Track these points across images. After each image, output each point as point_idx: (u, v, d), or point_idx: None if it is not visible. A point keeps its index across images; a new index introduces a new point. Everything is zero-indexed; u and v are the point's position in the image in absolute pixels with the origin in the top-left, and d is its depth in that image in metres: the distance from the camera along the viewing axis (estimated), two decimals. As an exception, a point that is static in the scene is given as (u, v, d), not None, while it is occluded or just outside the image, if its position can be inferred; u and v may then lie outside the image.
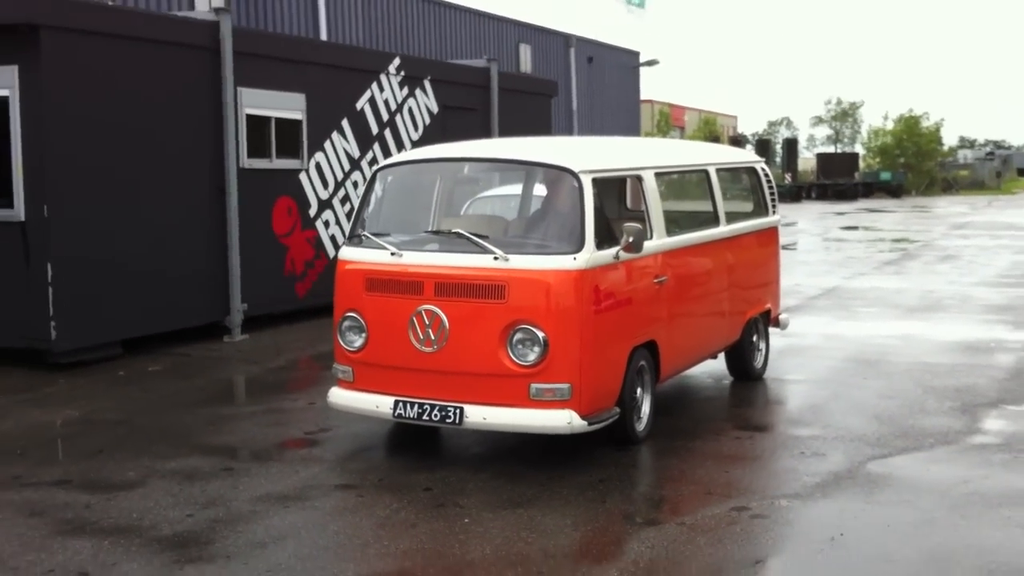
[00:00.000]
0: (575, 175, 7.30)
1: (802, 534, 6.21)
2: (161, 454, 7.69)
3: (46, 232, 10.43)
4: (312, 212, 13.92)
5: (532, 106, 19.51)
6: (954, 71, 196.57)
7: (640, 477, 7.45)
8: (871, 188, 60.13)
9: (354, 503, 6.68)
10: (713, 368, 10.07)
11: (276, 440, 8.19)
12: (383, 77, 15.18)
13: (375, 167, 8.40)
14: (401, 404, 7.25)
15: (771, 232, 10.43)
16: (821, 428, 8.35)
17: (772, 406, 9.54)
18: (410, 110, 15.74)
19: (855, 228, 33.36)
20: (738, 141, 61.30)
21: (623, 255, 7.33)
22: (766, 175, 10.41)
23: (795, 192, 55.50)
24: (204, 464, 7.48)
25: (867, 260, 22.21)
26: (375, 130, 15.02)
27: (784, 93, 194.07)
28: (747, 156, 11.19)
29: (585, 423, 7.00)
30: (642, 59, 41.26)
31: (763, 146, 63.75)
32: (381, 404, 7.37)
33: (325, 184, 14.13)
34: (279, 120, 13.37)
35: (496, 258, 7.07)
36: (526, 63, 31.66)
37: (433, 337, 7.12)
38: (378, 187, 8.07)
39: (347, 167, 14.52)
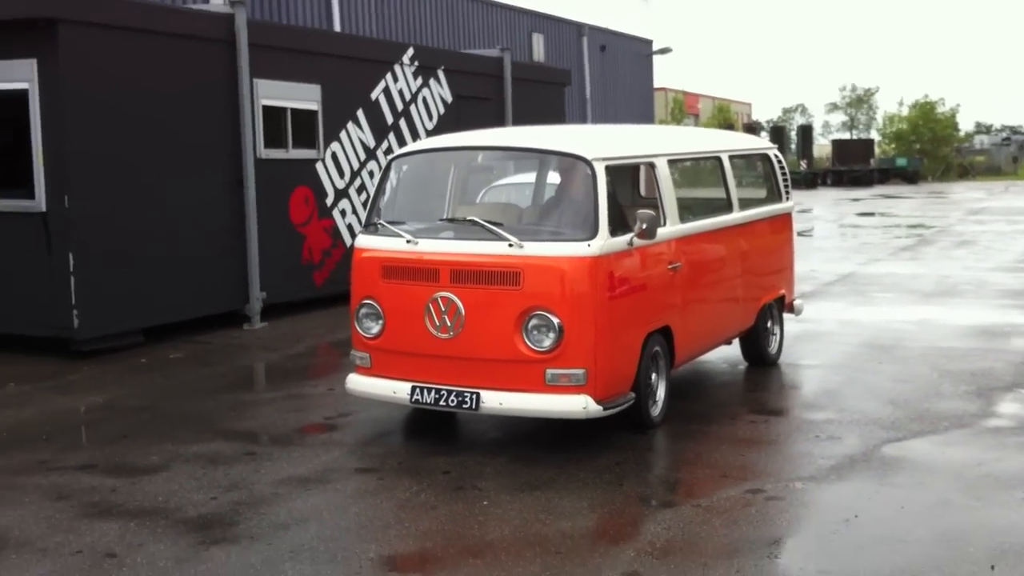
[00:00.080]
0: (588, 163, 7.37)
1: (817, 516, 6.29)
2: (184, 439, 7.82)
3: (67, 222, 10.57)
4: (329, 201, 14.03)
5: (545, 95, 19.58)
6: (970, 56, 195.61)
7: (656, 460, 7.54)
8: (887, 174, 60.05)
9: (375, 486, 6.79)
10: (728, 353, 10.14)
11: (297, 425, 8.31)
12: (397, 68, 15.27)
13: (390, 156, 8.49)
14: (418, 390, 7.34)
15: (785, 218, 10.49)
16: (836, 412, 8.43)
17: (787, 391, 9.61)
18: (424, 100, 15.82)
19: (871, 214, 33.35)
20: (752, 128, 61.29)
21: (637, 242, 7.40)
22: (779, 161, 10.46)
23: (810, 179, 55.47)
24: (226, 448, 7.61)
25: (883, 246, 22.23)
26: (390, 120, 15.12)
27: (799, 80, 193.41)
28: (760, 142, 11.23)
29: (600, 408, 7.08)
30: (655, 47, 41.23)
31: (777, 133, 63.63)
32: (398, 390, 7.46)
33: (341, 174, 14.25)
34: (295, 111, 13.48)
35: (511, 245, 7.15)
36: (539, 52, 31.69)
37: (449, 323, 7.21)
38: (393, 176, 8.15)
39: (363, 157, 14.63)
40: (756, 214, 9.74)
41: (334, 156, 14.13)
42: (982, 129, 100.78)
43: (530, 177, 9.19)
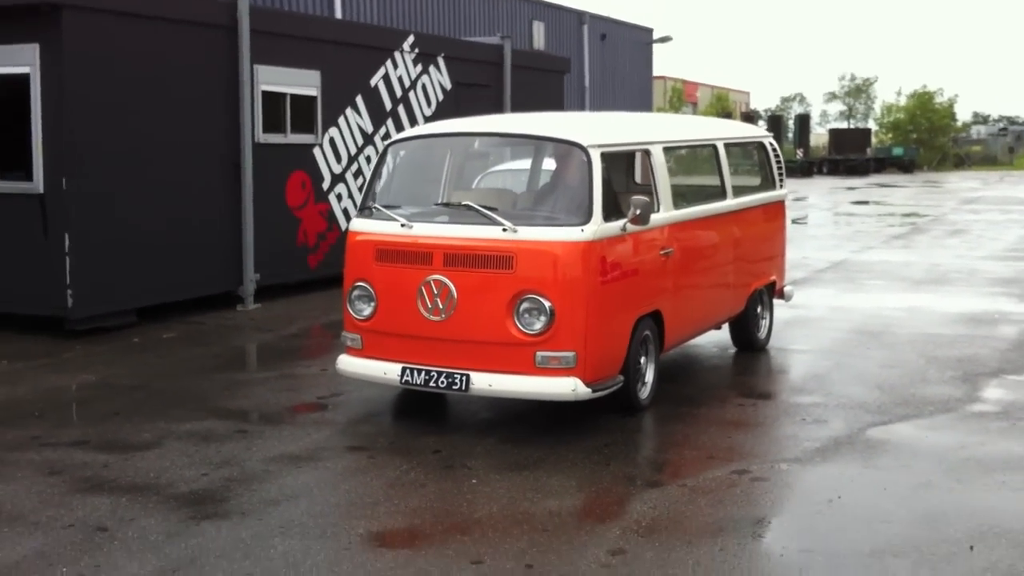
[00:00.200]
0: (584, 149, 7.43)
1: (801, 496, 6.38)
2: (176, 417, 7.89)
3: (64, 204, 10.62)
4: (325, 186, 14.09)
5: (545, 83, 19.61)
6: (969, 46, 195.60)
7: (644, 442, 7.62)
8: (883, 163, 60.10)
9: (365, 464, 6.87)
10: (719, 338, 10.22)
11: (288, 404, 8.39)
12: (397, 54, 15.31)
13: (387, 141, 8.54)
14: (408, 371, 7.40)
15: (778, 206, 10.56)
16: (823, 396, 8.51)
17: (776, 375, 9.69)
18: (424, 87, 15.86)
19: (865, 203, 33.42)
20: (750, 117, 61.24)
21: (630, 227, 7.47)
22: (774, 150, 10.53)
23: (807, 167, 55.49)
24: (218, 426, 7.68)
25: (876, 234, 22.31)
26: (389, 106, 15.16)
27: (798, 69, 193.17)
28: (755, 131, 11.32)
29: (589, 390, 7.15)
30: (655, 35, 41.26)
31: (775, 122, 63.63)
32: (389, 371, 7.52)
33: (339, 158, 14.30)
34: (294, 96, 13.52)
35: (505, 230, 7.20)
36: (539, 40, 31.73)
37: (441, 306, 7.27)
38: (389, 160, 8.21)
39: (360, 142, 14.67)
40: (749, 201, 9.81)
41: (332, 141, 14.18)
42: (979, 119, 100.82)
43: (527, 163, 9.25)
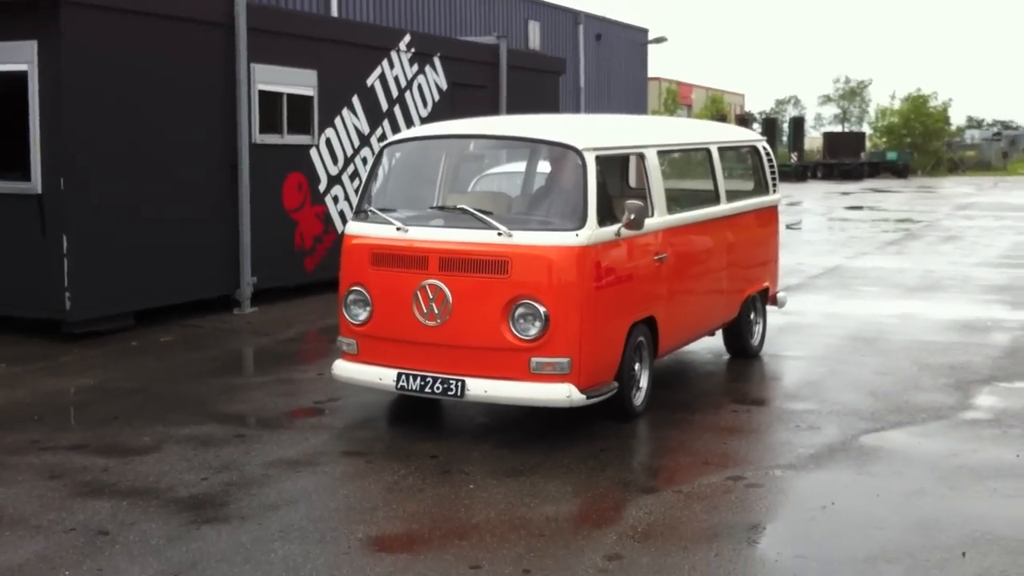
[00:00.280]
0: (579, 152, 7.46)
1: (795, 502, 6.44)
2: (175, 421, 7.94)
3: (62, 205, 10.65)
4: (322, 187, 14.13)
5: (540, 83, 19.67)
6: (963, 50, 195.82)
7: (639, 448, 7.68)
8: (877, 168, 60.20)
9: (363, 469, 6.92)
10: (713, 344, 10.28)
11: (286, 409, 8.43)
12: (393, 54, 15.35)
13: (382, 143, 8.57)
14: (404, 376, 7.42)
15: (771, 211, 10.61)
16: (817, 403, 8.58)
17: (770, 381, 9.76)
18: (420, 87, 15.91)
19: (859, 208, 33.52)
20: (745, 120, 61.37)
21: (624, 232, 7.50)
22: (767, 154, 10.57)
23: (801, 171, 55.58)
24: (217, 431, 7.72)
25: (870, 240, 22.39)
26: (385, 107, 15.20)
27: (792, 71, 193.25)
28: (749, 135, 11.36)
29: (584, 396, 7.18)
30: (651, 36, 41.34)
31: (769, 125, 63.66)
32: (384, 376, 7.54)
33: (335, 160, 14.34)
34: (291, 96, 13.56)
35: (500, 234, 7.23)
36: (535, 40, 31.78)
37: (437, 311, 7.30)
38: (385, 163, 8.23)
39: (357, 143, 14.72)
40: (743, 206, 9.85)
41: (328, 142, 14.22)
42: (973, 123, 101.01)
43: (522, 166, 9.28)
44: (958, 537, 5.76)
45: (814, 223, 27.53)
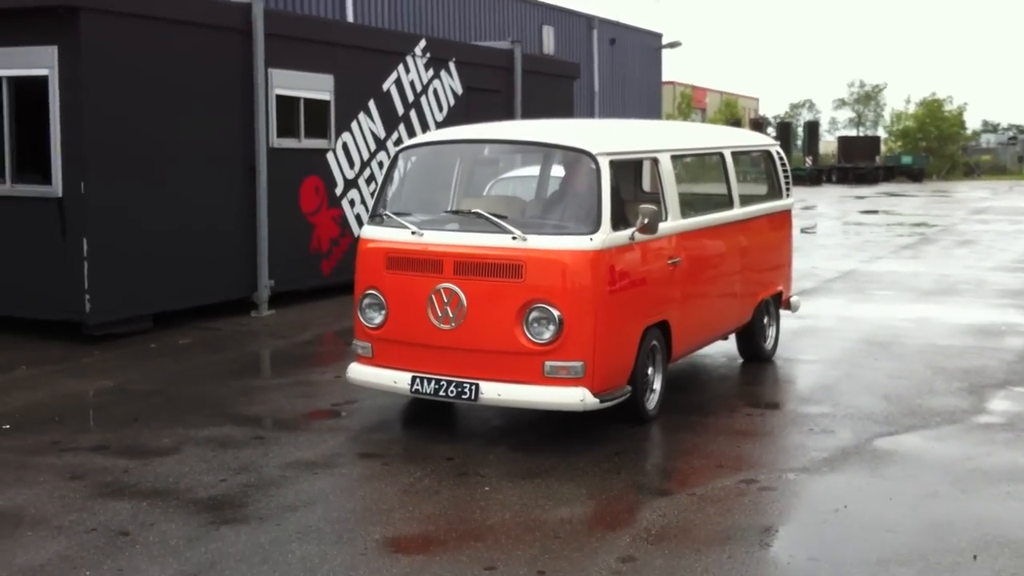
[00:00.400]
0: (593, 157, 7.50)
1: (808, 505, 6.48)
2: (194, 423, 8.02)
3: (83, 208, 10.77)
4: (338, 191, 14.22)
5: (555, 88, 19.74)
6: (979, 54, 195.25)
7: (654, 451, 7.73)
8: (892, 172, 60.08)
9: (379, 471, 6.99)
10: (727, 347, 10.31)
11: (304, 411, 8.51)
12: (409, 59, 15.44)
13: (397, 148, 8.62)
14: (418, 380, 7.47)
15: (784, 215, 10.63)
16: (831, 406, 8.61)
17: (784, 385, 9.79)
18: (435, 91, 15.99)
19: (874, 212, 33.46)
20: (759, 124, 61.25)
21: (638, 236, 7.53)
22: (781, 158, 10.60)
23: (815, 175, 55.50)
24: (236, 433, 7.81)
25: (885, 244, 22.38)
26: (401, 111, 15.29)
27: (807, 75, 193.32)
28: (762, 139, 11.38)
29: (597, 400, 7.21)
30: (665, 41, 41.36)
31: (784, 129, 63.62)
32: (399, 380, 7.58)
33: (351, 164, 14.43)
34: (308, 101, 13.66)
35: (514, 238, 7.26)
36: (549, 45, 31.84)
37: (451, 315, 7.34)
38: (400, 167, 8.29)
39: (373, 147, 14.81)
40: (756, 210, 9.88)
41: (345, 146, 14.32)
42: (989, 128, 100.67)
43: (537, 170, 9.32)
44: (970, 540, 5.80)
45: (829, 227, 27.51)
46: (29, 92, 10.95)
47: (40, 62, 10.84)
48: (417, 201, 8.39)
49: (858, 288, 15.35)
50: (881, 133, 79.79)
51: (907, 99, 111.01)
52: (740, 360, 10.25)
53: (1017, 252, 20.57)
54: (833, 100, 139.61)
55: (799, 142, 65.44)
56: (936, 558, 5.56)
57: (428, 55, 15.82)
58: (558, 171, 8.66)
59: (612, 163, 7.56)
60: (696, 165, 9.76)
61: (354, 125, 14.48)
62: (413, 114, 15.53)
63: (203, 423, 8.02)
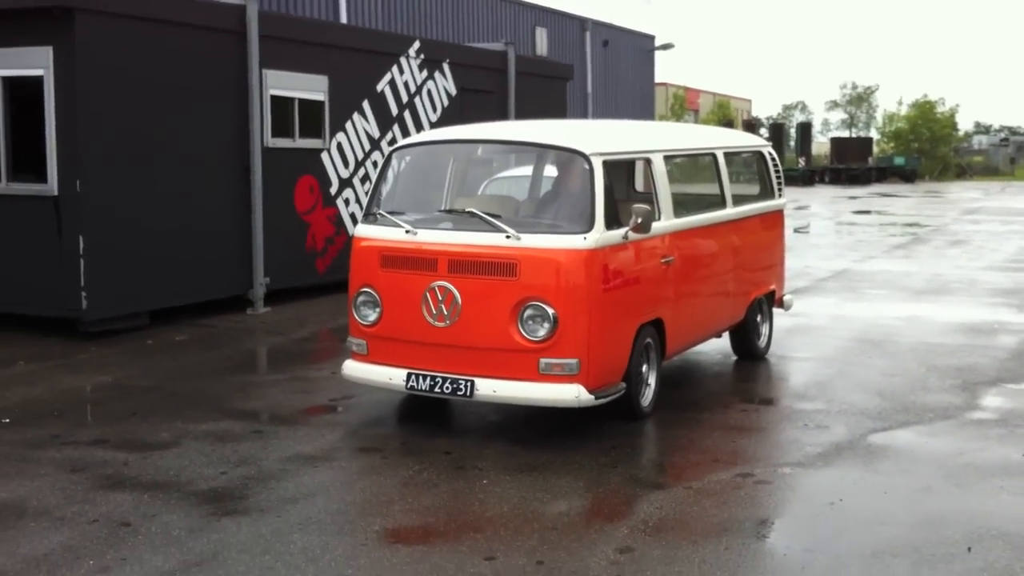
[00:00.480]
0: (586, 157, 7.54)
1: (803, 499, 6.54)
2: (192, 418, 8.07)
3: (78, 206, 10.82)
4: (333, 190, 14.28)
5: (548, 89, 19.81)
6: (971, 55, 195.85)
7: (650, 445, 7.79)
8: (884, 173, 60.28)
9: (378, 464, 7.05)
10: (722, 345, 10.38)
11: (301, 406, 8.57)
12: (403, 60, 15.50)
13: (391, 147, 8.65)
14: (414, 376, 7.50)
15: (777, 215, 10.70)
16: (825, 403, 8.68)
17: (779, 382, 9.86)
18: (429, 92, 16.06)
19: (867, 212, 33.58)
20: (752, 125, 61.43)
21: (632, 235, 7.57)
22: (773, 159, 10.67)
23: (808, 176, 55.65)
24: (234, 427, 7.86)
25: (877, 244, 22.47)
26: (395, 111, 15.35)
27: (800, 77, 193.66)
28: (754, 140, 11.44)
29: (592, 397, 7.25)
30: (657, 42, 41.46)
31: (777, 131, 63.76)
32: (394, 376, 7.62)
33: (346, 163, 14.49)
34: (302, 101, 13.72)
35: (508, 237, 7.30)
36: (542, 46, 31.91)
37: (446, 312, 7.38)
38: (394, 167, 8.32)
39: (367, 147, 14.87)
40: (749, 210, 9.93)
41: (339, 146, 14.38)
42: (981, 129, 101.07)
43: (530, 170, 9.37)
44: (964, 533, 5.86)
45: (822, 227, 27.60)
46: (25, 92, 11.02)
47: (35, 62, 10.89)
48: (411, 200, 8.42)
49: (851, 287, 15.43)
50: (874, 134, 79.94)
51: (899, 101, 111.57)
52: (734, 358, 10.31)
53: (1008, 252, 20.67)
54: (825, 102, 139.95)
55: (792, 143, 65.63)
56: (930, 550, 5.63)
57: (422, 56, 15.88)
58: (552, 171, 8.70)
59: (605, 163, 7.60)
60: (689, 165, 9.81)
61: (348, 125, 14.53)
62: (407, 114, 15.59)
63: (201, 418, 8.07)
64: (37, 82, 10.91)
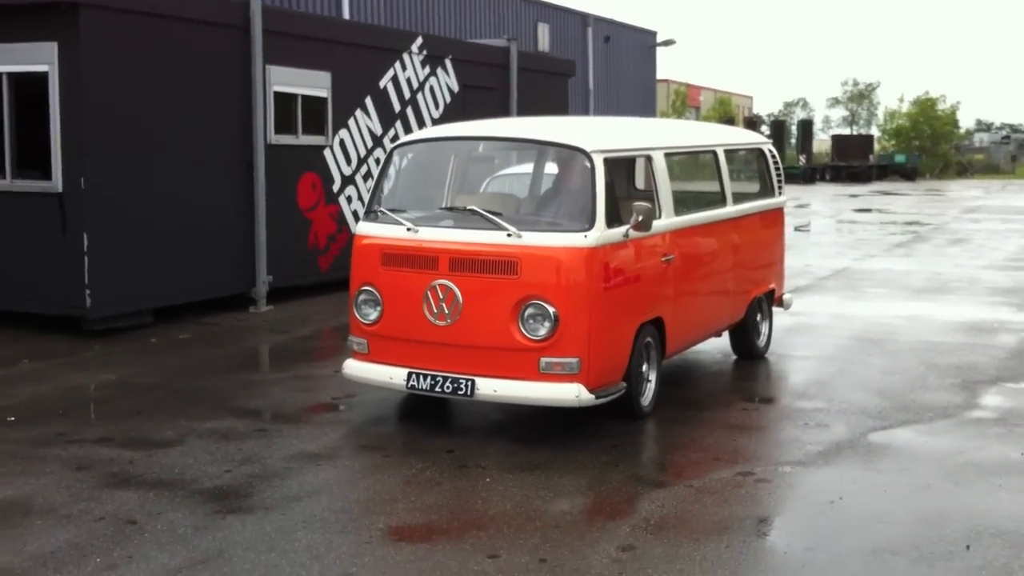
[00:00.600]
0: (587, 155, 7.54)
1: (803, 497, 6.59)
2: (197, 416, 8.12)
3: (83, 204, 10.85)
4: (335, 188, 14.32)
5: (550, 85, 19.84)
6: (972, 53, 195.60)
7: (651, 444, 7.83)
8: (885, 171, 60.20)
9: (381, 462, 7.10)
10: (723, 344, 10.41)
11: (304, 404, 8.62)
12: (406, 56, 15.54)
13: (392, 144, 8.67)
14: (414, 376, 7.50)
15: (777, 213, 10.71)
16: (825, 401, 8.73)
17: (779, 380, 9.90)
18: (431, 89, 16.09)
19: (868, 210, 33.59)
20: (753, 122, 61.40)
21: (632, 233, 7.57)
22: (773, 156, 10.67)
23: (809, 174, 55.63)
24: (239, 425, 7.91)
25: (878, 242, 22.50)
26: (397, 108, 15.39)
27: (801, 74, 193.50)
28: (755, 137, 11.44)
29: (592, 396, 7.26)
30: (659, 39, 41.49)
31: (778, 128, 63.72)
32: (395, 376, 7.62)
33: (348, 160, 14.53)
34: (305, 97, 13.76)
35: (509, 235, 7.30)
36: (544, 42, 31.94)
37: (447, 311, 7.39)
38: (395, 164, 8.31)
39: (370, 144, 14.91)
40: (749, 208, 9.93)
41: (342, 143, 14.41)
42: (982, 127, 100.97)
43: (531, 167, 9.38)
44: (963, 531, 5.91)
45: (822, 225, 27.62)
46: (29, 88, 11.03)
47: (40, 58, 10.91)
48: (412, 198, 8.42)
49: (851, 286, 15.46)
50: (875, 132, 79.88)
51: (900, 98, 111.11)
52: (734, 357, 10.35)
53: (1009, 251, 20.71)
54: (827, 99, 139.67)
55: (793, 140, 65.58)
56: (929, 548, 5.68)
57: (424, 52, 15.91)
58: (553, 168, 8.71)
59: (606, 160, 7.60)
60: (690, 163, 9.81)
61: (351, 122, 14.57)
62: (410, 111, 15.63)
63: (205, 416, 8.12)
64: (42, 78, 10.94)
